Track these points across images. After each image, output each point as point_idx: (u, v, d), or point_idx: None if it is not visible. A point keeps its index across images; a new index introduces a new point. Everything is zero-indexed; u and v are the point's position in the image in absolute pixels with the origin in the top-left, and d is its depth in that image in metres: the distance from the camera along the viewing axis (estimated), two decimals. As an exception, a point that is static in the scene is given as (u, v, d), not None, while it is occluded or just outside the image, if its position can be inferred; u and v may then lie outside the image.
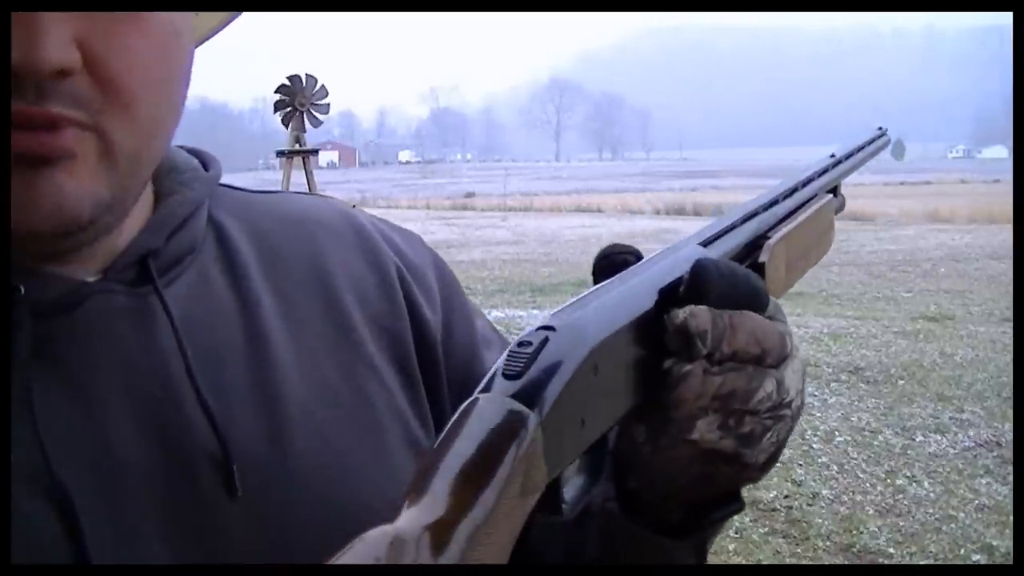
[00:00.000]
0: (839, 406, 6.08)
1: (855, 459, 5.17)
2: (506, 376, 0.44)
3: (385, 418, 0.62)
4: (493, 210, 30.42)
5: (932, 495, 4.65)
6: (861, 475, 4.95)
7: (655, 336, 0.50)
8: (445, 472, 0.40)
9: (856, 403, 6.15)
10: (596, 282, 0.52)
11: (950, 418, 5.78)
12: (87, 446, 0.52)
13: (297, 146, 10.65)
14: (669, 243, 0.57)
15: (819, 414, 5.86)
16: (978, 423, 5.66)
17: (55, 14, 0.46)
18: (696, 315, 0.50)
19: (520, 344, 0.45)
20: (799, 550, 4.09)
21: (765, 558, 4.00)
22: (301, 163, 10.76)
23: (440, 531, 0.38)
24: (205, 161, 0.65)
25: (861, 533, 4.22)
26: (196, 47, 0.60)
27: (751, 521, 4.32)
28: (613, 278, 0.51)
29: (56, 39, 0.46)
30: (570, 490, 0.46)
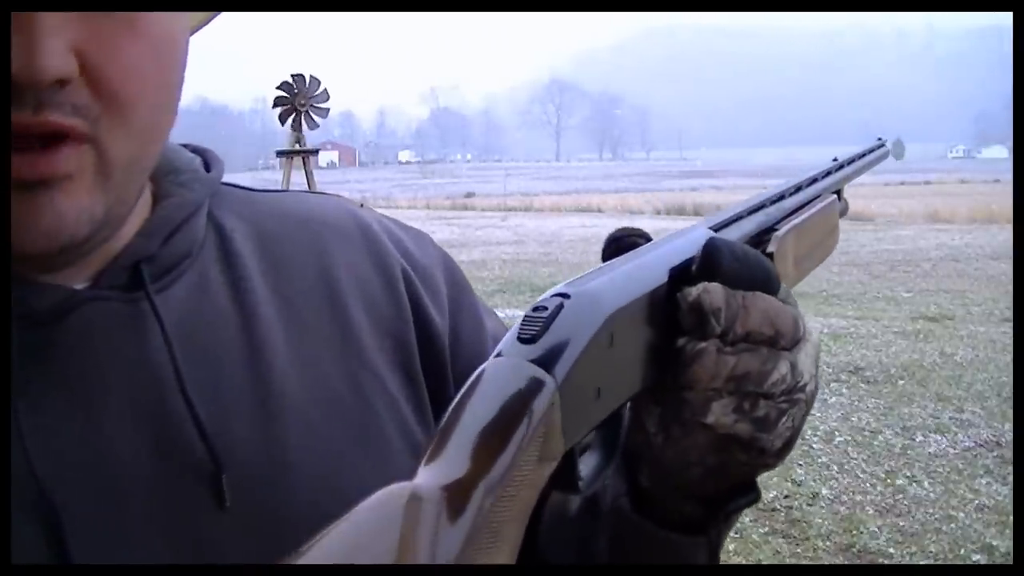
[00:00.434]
0: (839, 406, 6.07)
1: (855, 459, 5.17)
2: (521, 340, 0.43)
3: (387, 425, 0.61)
4: (493, 210, 30.40)
5: (932, 495, 4.65)
6: (861, 475, 4.95)
7: (668, 316, 0.50)
8: (462, 433, 0.40)
9: (856, 403, 6.15)
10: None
11: (950, 418, 5.78)
12: (77, 454, 0.52)
13: (297, 146, 10.65)
14: None
15: (819, 414, 5.86)
16: (978, 423, 5.66)
17: (52, 23, 0.46)
18: (710, 292, 0.49)
19: (535, 309, 0.45)
20: (799, 550, 4.09)
21: (765, 558, 4.00)
22: (301, 163, 10.76)
23: (458, 492, 0.38)
24: (208, 161, 0.65)
25: (861, 533, 4.22)
26: None
27: (751, 521, 4.32)
28: (624, 255, 0.51)
29: (54, 48, 0.46)
30: (585, 468, 0.46)
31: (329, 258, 0.65)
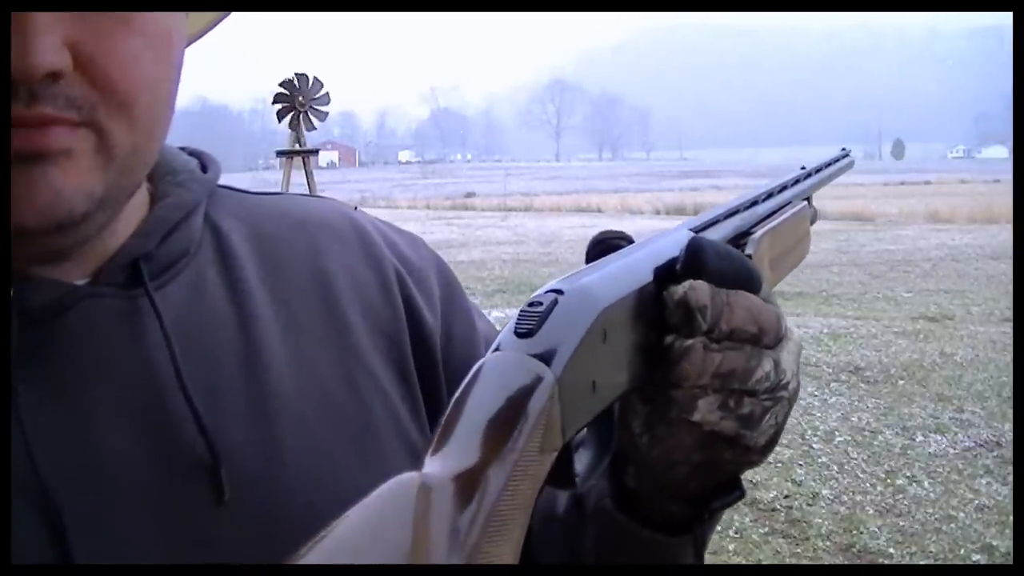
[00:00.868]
0: (839, 406, 6.07)
1: (855, 459, 5.17)
2: (518, 334, 0.44)
3: (382, 424, 0.62)
4: (493, 210, 30.42)
5: (932, 495, 4.65)
6: (861, 475, 4.95)
7: (655, 315, 0.51)
8: (468, 425, 0.41)
9: (856, 403, 6.15)
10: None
11: (950, 418, 5.78)
12: (76, 451, 0.52)
13: (297, 146, 10.65)
14: None
15: (819, 414, 5.86)
16: (978, 423, 5.66)
17: (45, 20, 0.47)
18: (696, 289, 0.50)
19: (531, 304, 0.46)
20: (799, 550, 4.09)
21: (765, 558, 4.00)
22: (301, 163, 10.76)
23: (467, 482, 0.38)
24: (204, 163, 0.65)
25: (861, 533, 4.22)
26: (187, 46, 0.60)
27: (751, 521, 4.32)
28: (609, 255, 0.52)
29: (46, 44, 0.47)
30: (579, 465, 0.47)
31: (325, 259, 0.66)
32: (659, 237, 0.56)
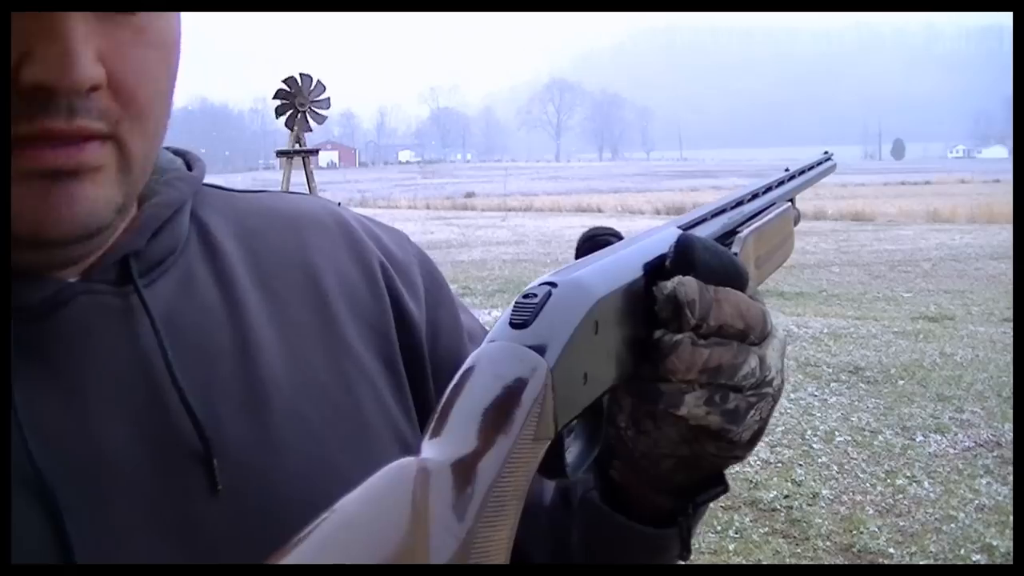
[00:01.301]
0: (839, 406, 6.08)
1: (855, 459, 5.17)
2: (513, 325, 0.45)
3: (372, 414, 0.63)
4: (493, 210, 30.42)
5: (932, 495, 4.65)
6: (861, 475, 4.95)
7: (645, 310, 0.52)
8: (464, 412, 0.42)
9: (856, 403, 6.16)
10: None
11: (950, 418, 5.79)
12: (72, 446, 0.53)
13: (297, 146, 10.66)
14: None
15: (819, 414, 5.86)
16: (978, 423, 5.67)
17: (83, 32, 0.48)
18: (685, 284, 0.51)
19: (525, 296, 0.47)
20: (799, 550, 4.10)
21: (765, 558, 4.00)
22: (301, 163, 10.77)
23: (464, 467, 0.39)
24: (189, 161, 0.66)
25: (861, 533, 4.22)
26: None
27: (751, 521, 4.33)
28: (600, 250, 0.53)
29: (88, 57, 0.48)
30: (570, 456, 0.48)
31: (311, 253, 0.67)
32: (648, 234, 0.57)
